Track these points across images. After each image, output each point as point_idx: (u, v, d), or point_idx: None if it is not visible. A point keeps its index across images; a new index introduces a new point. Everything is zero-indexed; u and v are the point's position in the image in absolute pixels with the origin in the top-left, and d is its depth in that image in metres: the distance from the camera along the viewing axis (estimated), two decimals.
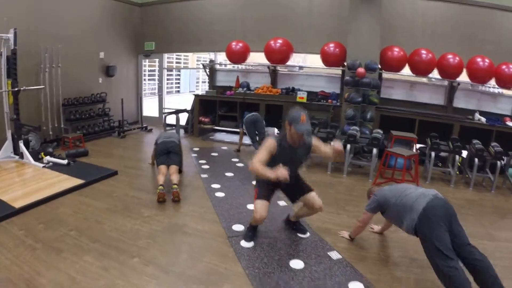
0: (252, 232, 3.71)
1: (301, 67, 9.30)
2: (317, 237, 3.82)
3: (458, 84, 7.44)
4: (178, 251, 3.48)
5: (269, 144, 3.32)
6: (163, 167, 5.15)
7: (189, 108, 9.27)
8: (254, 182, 3.80)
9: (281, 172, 2.96)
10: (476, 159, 5.94)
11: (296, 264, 3.26)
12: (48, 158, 5.99)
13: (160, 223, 4.06)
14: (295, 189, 3.63)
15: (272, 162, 3.24)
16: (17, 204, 4.24)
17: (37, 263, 3.13)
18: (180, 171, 5.43)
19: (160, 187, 4.71)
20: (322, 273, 3.14)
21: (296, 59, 11.77)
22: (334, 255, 3.47)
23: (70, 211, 4.27)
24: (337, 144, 3.27)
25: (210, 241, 3.70)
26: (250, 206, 4.58)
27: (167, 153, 5.35)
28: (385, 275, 3.21)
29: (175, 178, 4.98)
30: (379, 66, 7.33)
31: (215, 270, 3.15)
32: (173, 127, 8.53)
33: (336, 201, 5.02)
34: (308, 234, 3.85)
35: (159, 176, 4.99)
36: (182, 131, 9.08)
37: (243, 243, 3.59)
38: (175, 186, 4.79)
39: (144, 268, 3.13)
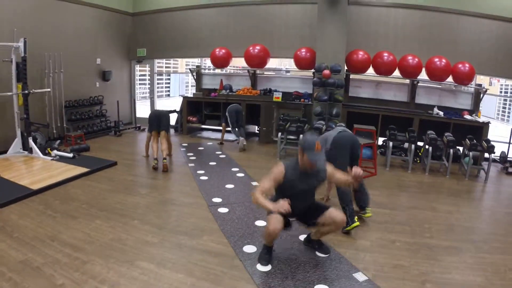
0: (268, 254, 3.38)
1: (287, 71, 10.23)
2: None
3: (418, 82, 8.44)
4: (169, 216, 4.45)
5: (277, 171, 3.19)
6: (154, 133, 6.57)
7: (178, 109, 10.17)
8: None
9: (282, 206, 2.89)
10: (431, 148, 6.95)
11: (260, 223, 4.22)
12: (55, 152, 6.86)
13: (155, 198, 5.02)
14: (310, 213, 3.40)
15: (283, 190, 3.21)
16: (35, 187, 5.12)
17: (58, 226, 4.03)
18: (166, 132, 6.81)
19: (155, 161, 6.36)
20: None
21: (283, 63, 12.67)
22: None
23: (80, 191, 5.19)
24: (357, 170, 3.27)
25: (194, 209, 4.66)
26: (229, 186, 5.57)
27: (158, 118, 6.67)
28: None
29: (164, 149, 6.42)
30: (346, 68, 8.34)
31: (197, 227, 4.11)
32: None
33: None
34: (329, 254, 3.59)
35: (153, 144, 6.52)
36: (172, 130, 9.95)
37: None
38: (165, 160, 6.34)
39: (143, 226, 4.08)
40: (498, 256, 3.78)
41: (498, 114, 16.77)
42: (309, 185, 3.29)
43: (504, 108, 16.68)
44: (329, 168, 3.36)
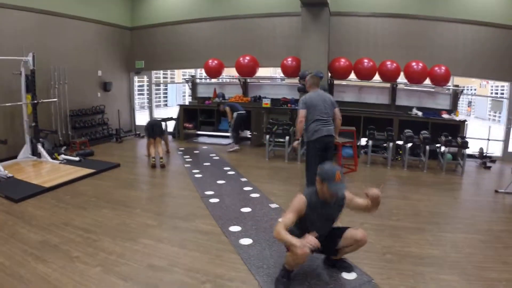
0: (287, 277, 3.12)
1: (282, 79, 10.81)
2: (263, 197, 5.44)
3: (397, 85, 9.10)
4: (167, 205, 5.14)
5: (298, 202, 3.03)
6: (151, 140, 7.39)
7: (175, 116, 10.82)
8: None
9: (310, 241, 2.67)
10: (408, 145, 7.59)
11: (246, 210, 4.88)
12: (63, 156, 7.50)
13: (155, 192, 5.71)
14: (329, 241, 3.21)
15: (303, 220, 3.04)
16: (47, 185, 5.75)
17: (70, 215, 4.67)
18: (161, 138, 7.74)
19: (152, 159, 7.20)
20: (261, 215, 4.73)
21: (278, 71, 13.23)
22: (273, 206, 5.07)
23: (88, 188, 5.83)
24: (373, 191, 3.01)
25: (189, 200, 5.32)
26: (220, 181, 6.22)
27: (152, 127, 7.59)
28: None
29: (160, 150, 7.23)
30: (330, 74, 8.99)
31: (191, 213, 4.76)
32: None
33: (286, 179, 6.60)
34: (354, 273, 3.32)
35: (150, 148, 7.28)
36: (170, 137, 10.57)
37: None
38: (161, 159, 7.27)
39: (144, 214, 4.73)
40: (459, 235, 4.25)
41: (489, 115, 17.10)
42: (330, 215, 3.17)
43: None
44: (348, 195, 3.20)
